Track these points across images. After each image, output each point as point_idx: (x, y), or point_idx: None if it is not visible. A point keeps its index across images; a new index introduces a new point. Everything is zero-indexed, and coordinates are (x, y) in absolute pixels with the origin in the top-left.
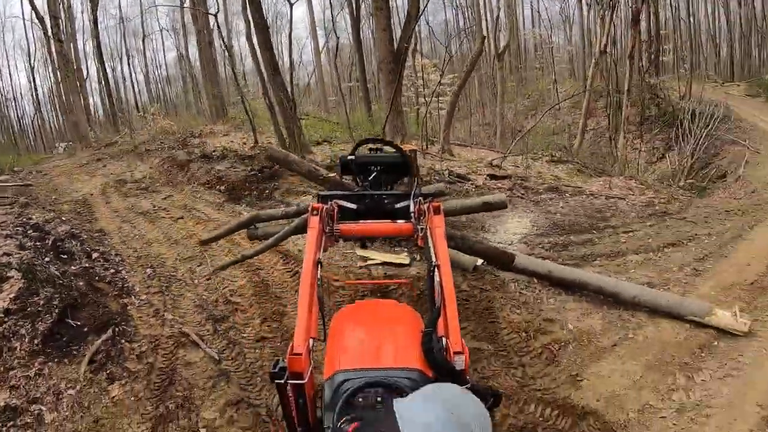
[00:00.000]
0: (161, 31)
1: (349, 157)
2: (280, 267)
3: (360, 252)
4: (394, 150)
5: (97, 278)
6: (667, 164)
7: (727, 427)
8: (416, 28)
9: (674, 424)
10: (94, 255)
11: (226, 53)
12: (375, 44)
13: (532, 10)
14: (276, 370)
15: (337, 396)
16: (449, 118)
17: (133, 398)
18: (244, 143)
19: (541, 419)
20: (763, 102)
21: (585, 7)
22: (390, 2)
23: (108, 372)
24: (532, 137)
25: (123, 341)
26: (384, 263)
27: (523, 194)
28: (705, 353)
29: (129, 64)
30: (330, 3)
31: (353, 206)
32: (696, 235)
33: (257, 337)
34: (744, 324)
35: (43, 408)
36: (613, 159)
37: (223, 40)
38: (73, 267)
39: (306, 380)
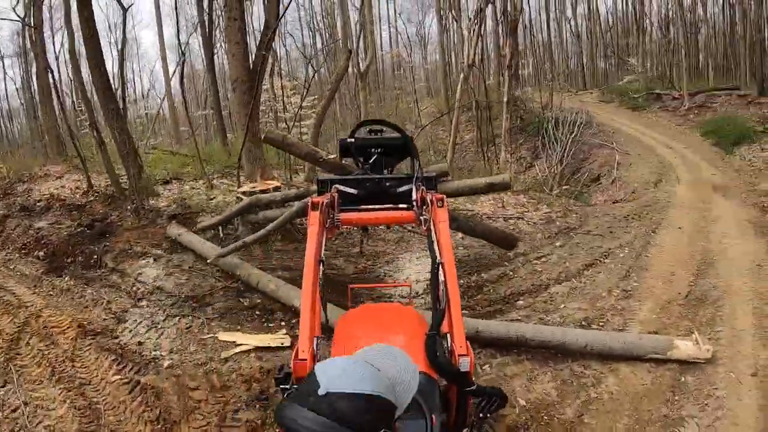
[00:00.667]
0: (2, 58)
1: (349, 140)
2: (113, 378)
3: (222, 336)
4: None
5: None
6: (536, 173)
7: None
8: (273, 45)
9: None
10: None
11: (50, 77)
12: (228, 61)
13: (389, 29)
14: (281, 375)
15: None
16: (315, 142)
17: None
18: (77, 188)
19: None
20: (616, 107)
21: (442, 25)
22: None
23: None
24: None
25: None
26: (257, 348)
27: (413, 226)
28: (678, 396)
29: None
30: (176, 23)
31: (354, 191)
32: (609, 249)
33: None
34: (707, 351)
35: None
36: (487, 172)
37: (45, 59)
38: None
39: None
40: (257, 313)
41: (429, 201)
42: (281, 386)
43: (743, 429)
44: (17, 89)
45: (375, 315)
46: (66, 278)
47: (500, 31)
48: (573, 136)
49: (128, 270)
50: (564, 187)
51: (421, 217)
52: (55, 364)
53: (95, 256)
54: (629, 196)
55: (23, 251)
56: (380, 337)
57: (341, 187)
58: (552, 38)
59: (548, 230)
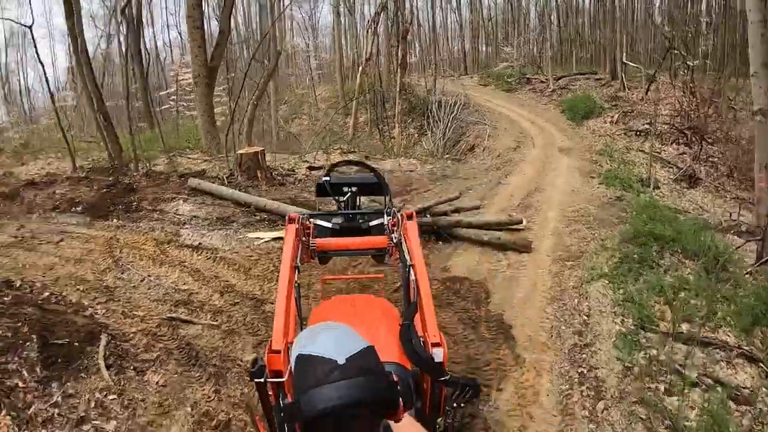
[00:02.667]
0: None
1: (324, 179)
2: (197, 257)
3: (250, 235)
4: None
5: (41, 302)
6: (423, 146)
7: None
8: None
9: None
10: (17, 282)
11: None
12: (191, 61)
13: (284, 17)
14: (255, 368)
15: None
16: (250, 127)
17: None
18: (57, 169)
19: None
20: (492, 89)
21: (337, 15)
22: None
23: (134, 367)
24: (307, 137)
25: (120, 344)
26: (274, 238)
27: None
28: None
29: None
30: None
31: (328, 224)
32: (472, 186)
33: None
34: (522, 219)
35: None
36: (384, 146)
37: (37, 54)
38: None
39: (285, 378)
40: (266, 222)
41: (400, 216)
42: (255, 380)
43: (542, 255)
44: None
45: (348, 305)
46: (115, 220)
47: (390, 30)
48: (453, 115)
49: (165, 209)
50: (446, 156)
51: (392, 236)
52: (152, 257)
53: (134, 204)
54: (495, 159)
55: (57, 210)
56: (355, 326)
57: (316, 221)
58: (437, 26)
59: (431, 177)
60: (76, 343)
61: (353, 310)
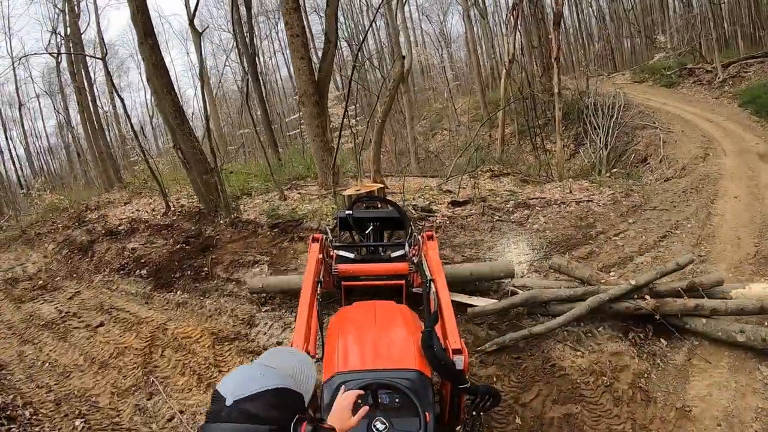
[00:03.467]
0: (38, 96)
1: (347, 213)
2: None
3: None
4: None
5: None
6: (582, 159)
7: None
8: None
9: None
10: None
11: (121, 103)
12: (294, 76)
13: (414, 30)
14: None
15: (335, 398)
16: (378, 149)
17: None
18: (153, 210)
19: None
20: (650, 86)
21: (470, 22)
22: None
23: None
24: (453, 156)
25: None
26: None
27: (500, 216)
28: None
29: (7, 137)
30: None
31: (350, 255)
32: (677, 222)
33: None
34: None
35: None
36: (540, 163)
37: (115, 88)
38: None
39: None
40: None
41: (420, 238)
42: None
43: None
44: (60, 124)
45: (369, 312)
46: (178, 292)
47: (530, 27)
48: (614, 119)
49: (243, 278)
50: (614, 170)
51: (413, 258)
52: (199, 372)
53: (205, 269)
54: (680, 173)
55: (122, 272)
56: (375, 332)
57: (340, 252)
58: (579, 22)
59: (618, 209)
60: None
61: (373, 317)
